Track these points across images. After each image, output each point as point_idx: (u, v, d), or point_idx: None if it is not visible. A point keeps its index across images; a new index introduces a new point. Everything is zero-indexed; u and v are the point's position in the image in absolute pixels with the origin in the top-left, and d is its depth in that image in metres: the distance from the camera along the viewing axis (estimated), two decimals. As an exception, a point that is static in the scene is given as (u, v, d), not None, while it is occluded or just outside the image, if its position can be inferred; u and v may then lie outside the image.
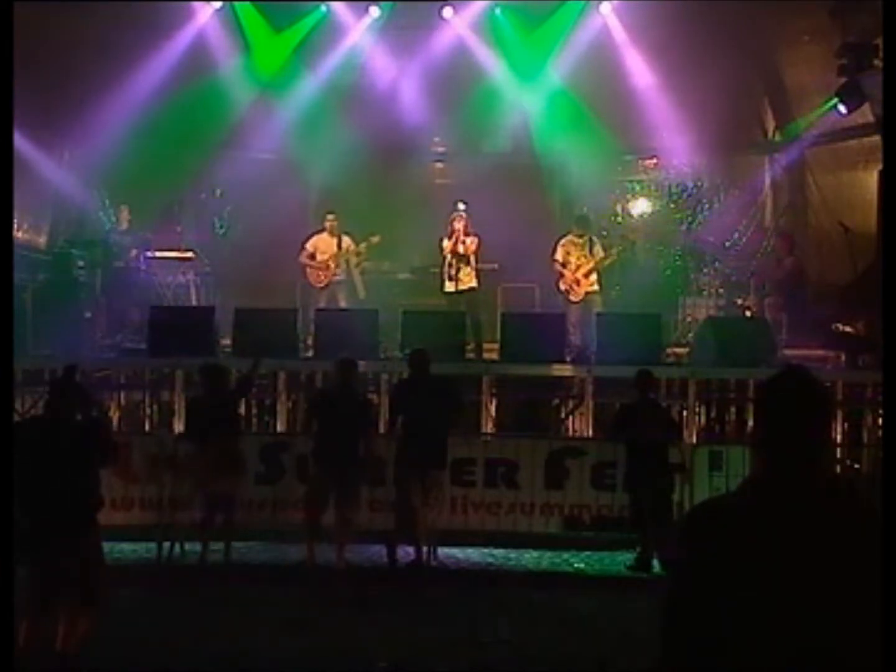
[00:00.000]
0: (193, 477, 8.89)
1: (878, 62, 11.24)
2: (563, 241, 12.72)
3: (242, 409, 11.11)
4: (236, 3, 14.77)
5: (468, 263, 12.31)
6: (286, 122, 15.00)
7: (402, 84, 15.05)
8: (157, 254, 13.82)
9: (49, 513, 5.61)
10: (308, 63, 15.08)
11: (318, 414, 8.96)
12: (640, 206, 15.76)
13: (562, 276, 12.63)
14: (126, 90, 13.66)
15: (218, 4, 14.70)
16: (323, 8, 14.98)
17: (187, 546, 8.90)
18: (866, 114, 12.68)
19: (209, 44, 14.69)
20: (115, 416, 10.99)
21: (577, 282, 12.56)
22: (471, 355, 11.60)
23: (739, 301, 13.58)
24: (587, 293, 12.57)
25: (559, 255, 12.64)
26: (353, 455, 8.61)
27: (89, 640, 5.81)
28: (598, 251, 12.66)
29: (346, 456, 8.57)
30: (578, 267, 12.55)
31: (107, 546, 9.04)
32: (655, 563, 8.62)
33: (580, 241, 12.66)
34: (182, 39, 14.51)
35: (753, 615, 2.21)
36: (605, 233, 13.11)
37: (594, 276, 12.62)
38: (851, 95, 12.42)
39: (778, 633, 2.20)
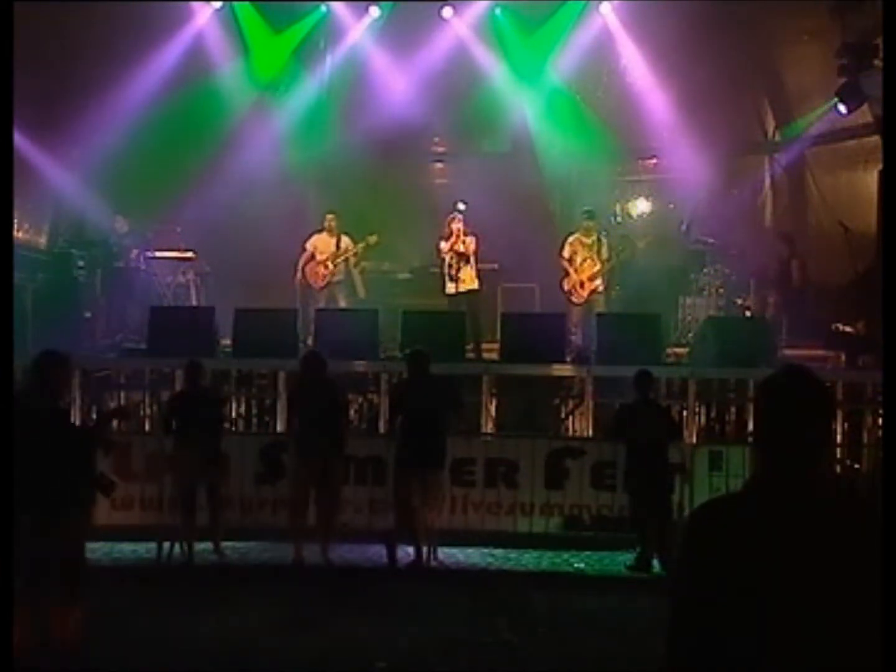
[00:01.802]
0: (174, 474, 8.91)
1: (878, 62, 11.23)
2: (570, 240, 12.69)
3: (243, 409, 11.14)
4: (235, 4, 14.76)
5: (468, 263, 12.29)
6: (286, 123, 15.00)
7: (402, 84, 15.02)
8: (157, 254, 13.82)
9: (29, 499, 5.61)
10: (308, 64, 15.06)
11: (293, 411, 8.97)
12: (640, 206, 15.77)
13: (567, 274, 12.60)
14: (127, 90, 13.66)
15: (218, 4, 14.70)
16: (323, 8, 14.97)
17: (188, 546, 8.91)
18: (866, 114, 12.68)
19: (209, 45, 14.69)
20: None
21: (581, 284, 12.53)
22: (471, 355, 11.60)
23: (739, 301, 13.57)
24: (591, 294, 12.55)
25: (566, 253, 12.62)
26: (330, 451, 8.66)
27: (83, 640, 5.80)
28: (605, 252, 12.64)
29: (322, 452, 8.59)
30: (583, 268, 12.52)
31: (107, 546, 9.14)
32: (655, 563, 8.62)
33: (588, 240, 12.63)
34: (182, 40, 14.51)
35: (757, 616, 2.21)
36: (605, 233, 13.11)
37: (599, 279, 12.60)
38: (851, 95, 12.41)
39: (782, 634, 2.20)
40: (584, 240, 12.63)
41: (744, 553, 2.24)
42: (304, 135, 14.90)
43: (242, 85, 14.99)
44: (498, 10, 14.86)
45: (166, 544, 8.83)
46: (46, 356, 5.95)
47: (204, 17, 14.69)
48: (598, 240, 12.68)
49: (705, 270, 13.55)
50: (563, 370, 10.98)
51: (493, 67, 15.04)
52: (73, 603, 5.77)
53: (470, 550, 9.27)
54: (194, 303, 13.69)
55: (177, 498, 8.89)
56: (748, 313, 13.33)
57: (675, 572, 2.39)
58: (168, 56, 14.28)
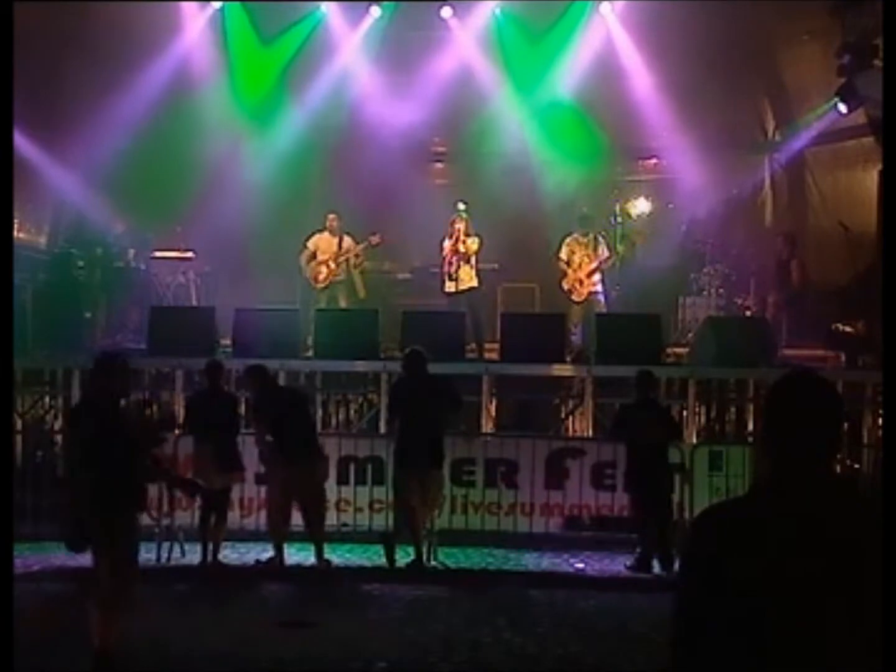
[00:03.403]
0: (192, 474, 8.91)
1: (877, 62, 11.23)
2: (567, 240, 12.71)
3: (242, 410, 11.12)
4: (228, 4, 14.70)
5: (468, 263, 12.32)
6: (286, 124, 14.98)
7: (403, 86, 14.99)
8: (157, 254, 13.81)
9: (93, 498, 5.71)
10: (306, 70, 14.98)
11: (272, 412, 8.87)
12: (640, 206, 15.75)
13: (565, 274, 12.62)
14: (127, 91, 13.66)
15: (217, 4, 14.68)
16: (323, 8, 14.93)
17: (187, 546, 8.91)
18: (866, 114, 12.67)
19: (210, 48, 14.70)
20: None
21: (580, 282, 12.54)
22: (471, 355, 11.60)
23: (739, 301, 13.57)
24: (590, 293, 12.56)
25: (563, 254, 12.63)
26: (310, 451, 8.68)
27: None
28: (603, 251, 12.64)
29: (303, 452, 8.60)
30: (581, 266, 12.54)
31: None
32: (655, 563, 8.62)
33: (584, 240, 12.64)
34: (184, 42, 14.52)
35: (763, 617, 2.20)
36: (604, 233, 13.10)
37: (597, 277, 12.61)
38: (851, 95, 12.41)
39: (788, 635, 2.20)
40: (581, 239, 12.65)
41: (750, 555, 2.24)
42: (305, 136, 14.87)
43: (245, 90, 15.03)
44: (498, 11, 14.85)
45: (166, 544, 8.83)
46: (102, 358, 6.12)
47: (202, 21, 14.68)
48: (595, 238, 12.70)
49: (705, 270, 13.56)
50: (563, 370, 10.98)
51: (494, 68, 15.01)
52: (130, 605, 5.89)
53: (470, 550, 9.27)
54: (194, 303, 13.68)
55: (182, 498, 8.87)
56: (748, 313, 13.33)
57: (680, 574, 2.39)
58: (169, 57, 14.27)
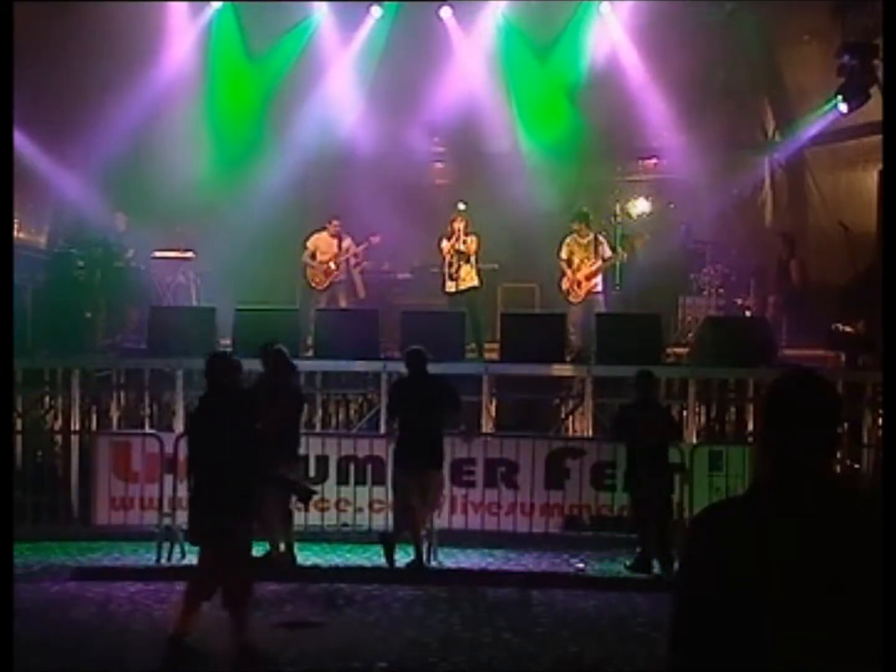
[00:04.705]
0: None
1: (877, 62, 11.22)
2: (567, 241, 12.65)
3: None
4: (226, 4, 14.70)
5: (468, 262, 12.33)
6: (286, 123, 14.98)
7: (403, 87, 14.98)
8: (157, 254, 13.81)
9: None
10: (307, 72, 14.96)
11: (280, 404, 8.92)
12: (640, 206, 15.76)
13: (564, 274, 12.60)
14: (128, 92, 13.66)
15: (217, 5, 14.66)
16: (323, 9, 14.90)
17: (187, 546, 8.90)
18: (866, 114, 12.64)
19: (203, 54, 14.73)
20: (115, 416, 10.99)
21: (579, 283, 12.50)
22: (471, 355, 11.61)
23: (739, 301, 13.57)
24: (588, 293, 12.53)
25: (564, 254, 12.60)
26: (297, 449, 8.73)
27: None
28: (605, 250, 12.59)
29: (293, 449, 8.63)
30: (580, 268, 12.50)
31: (107, 546, 9.15)
32: (655, 563, 8.62)
33: (584, 240, 12.56)
34: (181, 45, 14.53)
35: (763, 617, 2.20)
36: (603, 233, 13.09)
37: (598, 278, 12.56)
38: (852, 95, 12.41)
39: (788, 635, 2.20)
40: (581, 240, 12.57)
41: (750, 555, 2.24)
42: (305, 137, 14.86)
43: (244, 93, 15.06)
44: (498, 12, 14.85)
45: (166, 544, 8.83)
46: (222, 356, 6.25)
47: (202, 21, 14.68)
48: (596, 239, 12.64)
49: (705, 270, 13.55)
50: (563, 370, 10.98)
51: (494, 69, 15.00)
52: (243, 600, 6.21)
53: (470, 550, 9.27)
54: (194, 303, 13.68)
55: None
56: (748, 313, 13.33)
57: (679, 574, 2.38)
58: (169, 58, 14.31)
